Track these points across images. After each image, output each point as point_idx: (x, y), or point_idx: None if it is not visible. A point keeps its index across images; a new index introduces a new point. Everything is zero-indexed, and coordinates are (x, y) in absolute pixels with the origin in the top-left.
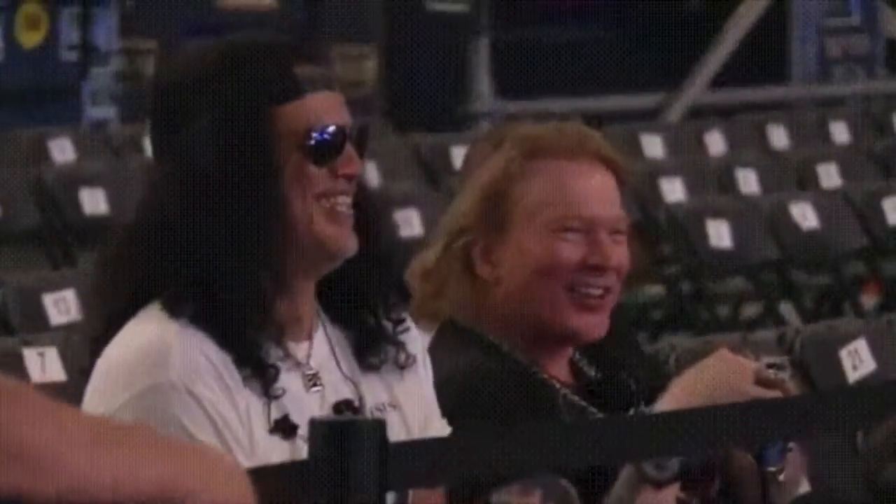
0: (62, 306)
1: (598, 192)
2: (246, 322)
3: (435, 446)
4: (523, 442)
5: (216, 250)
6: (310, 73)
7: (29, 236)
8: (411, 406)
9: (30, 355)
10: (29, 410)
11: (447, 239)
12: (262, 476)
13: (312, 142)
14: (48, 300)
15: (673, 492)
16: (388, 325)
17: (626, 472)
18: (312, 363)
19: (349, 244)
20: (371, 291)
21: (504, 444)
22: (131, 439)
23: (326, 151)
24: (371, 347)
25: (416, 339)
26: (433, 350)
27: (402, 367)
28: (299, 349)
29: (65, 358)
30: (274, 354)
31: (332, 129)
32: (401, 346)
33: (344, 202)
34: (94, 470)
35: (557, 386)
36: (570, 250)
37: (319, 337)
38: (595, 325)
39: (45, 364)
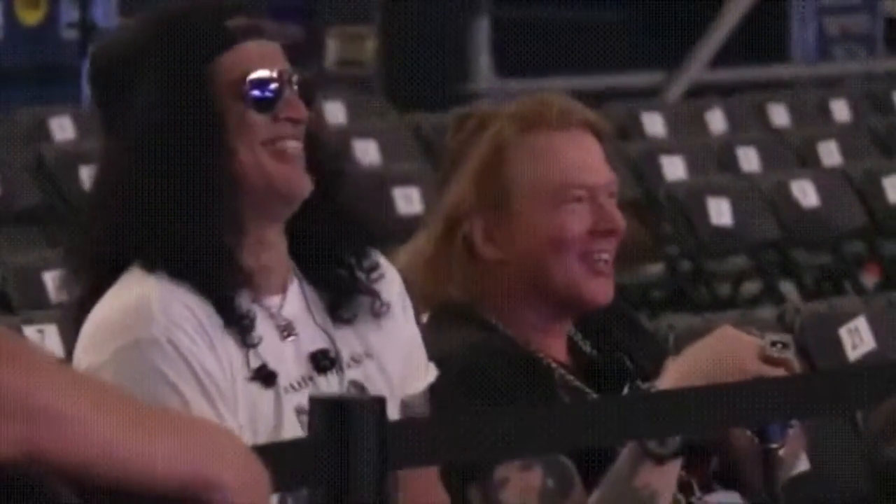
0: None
1: (592, 158)
2: (214, 273)
3: (435, 425)
4: (524, 421)
5: (174, 209)
6: (240, 23)
7: (29, 215)
8: (389, 354)
9: (29, 333)
10: (53, 377)
11: (445, 227)
12: (262, 454)
13: (248, 89)
14: (48, 278)
15: (675, 467)
16: (362, 275)
17: (627, 448)
18: (285, 314)
19: (301, 184)
20: (339, 242)
21: (505, 424)
22: (154, 415)
23: (264, 97)
24: (343, 302)
25: (392, 283)
26: (428, 329)
27: (377, 316)
28: (272, 301)
29: (64, 336)
30: (246, 302)
31: (266, 73)
32: (375, 294)
33: (292, 145)
34: (119, 439)
35: (554, 366)
36: (579, 220)
37: (293, 290)
38: (608, 289)
39: (44, 341)
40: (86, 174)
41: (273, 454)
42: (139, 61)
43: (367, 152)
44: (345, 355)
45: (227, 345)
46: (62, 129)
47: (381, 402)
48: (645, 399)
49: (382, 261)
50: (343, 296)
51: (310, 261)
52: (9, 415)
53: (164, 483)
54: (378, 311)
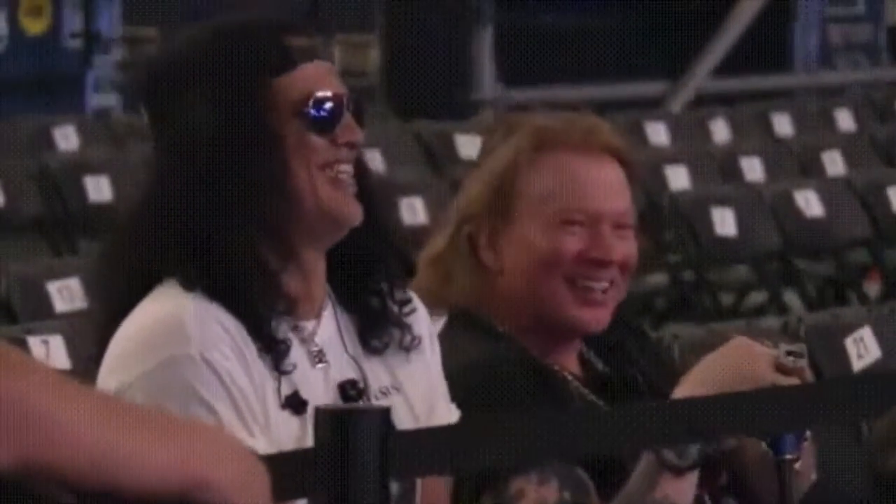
0: (66, 294)
1: (604, 185)
2: (255, 296)
3: (438, 435)
4: (528, 431)
5: (222, 227)
6: (301, 43)
7: (33, 224)
8: (416, 389)
9: (34, 343)
10: (47, 384)
11: (455, 225)
12: (267, 463)
13: (311, 111)
14: (52, 288)
15: (693, 479)
16: (394, 307)
17: (645, 460)
18: (318, 340)
19: (354, 211)
20: (377, 268)
21: (509, 433)
22: (150, 420)
23: (326, 120)
24: (375, 331)
25: (423, 320)
26: (444, 338)
27: (407, 350)
28: (306, 326)
29: (69, 346)
30: (283, 329)
31: (329, 96)
32: (406, 328)
33: (346, 170)
34: (112, 445)
35: (570, 378)
36: (572, 243)
37: (327, 316)
38: (595, 319)
39: (49, 352)
40: (89, 183)
41: (276, 463)
42: (194, 74)
43: (370, 162)
44: (373, 387)
45: (261, 368)
46: (66, 138)
47: (384, 412)
48: (659, 407)
49: (414, 297)
50: (375, 324)
51: (346, 285)
52: (3, 423)
53: (161, 486)
54: (408, 344)
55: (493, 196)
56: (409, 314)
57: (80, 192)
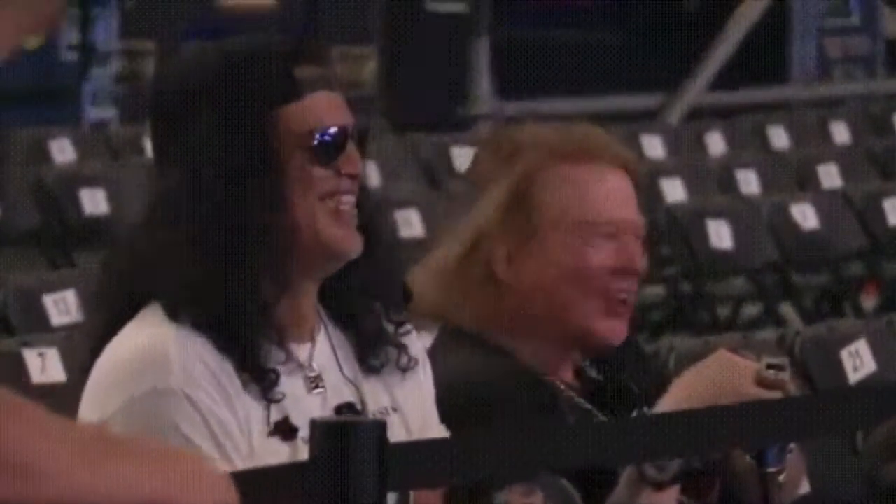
0: (62, 307)
1: (621, 195)
2: (247, 326)
3: (435, 447)
4: (522, 443)
5: (219, 253)
6: (310, 73)
7: (29, 236)
8: (412, 409)
9: (30, 356)
10: (24, 422)
11: (468, 247)
12: (263, 477)
13: (315, 142)
14: (48, 301)
15: (673, 493)
16: (390, 328)
17: (626, 474)
18: (315, 365)
19: (354, 244)
20: (373, 293)
21: (503, 446)
22: (127, 451)
23: (330, 151)
24: (373, 350)
25: (417, 342)
26: (434, 353)
27: (403, 370)
28: (301, 350)
29: (65, 358)
30: (275, 357)
31: (334, 128)
32: (403, 348)
33: (348, 202)
34: (90, 482)
35: (562, 388)
36: (601, 255)
37: (322, 338)
38: (620, 330)
39: (45, 364)
40: (85, 196)
41: (274, 476)
42: (204, 93)
43: (366, 175)
44: (370, 406)
45: (246, 400)
46: (62, 150)
47: (381, 425)
48: (643, 422)
49: (410, 321)
50: (373, 342)
51: (340, 303)
52: None
53: None
54: (405, 365)
55: (508, 214)
56: (404, 335)
57: (77, 204)
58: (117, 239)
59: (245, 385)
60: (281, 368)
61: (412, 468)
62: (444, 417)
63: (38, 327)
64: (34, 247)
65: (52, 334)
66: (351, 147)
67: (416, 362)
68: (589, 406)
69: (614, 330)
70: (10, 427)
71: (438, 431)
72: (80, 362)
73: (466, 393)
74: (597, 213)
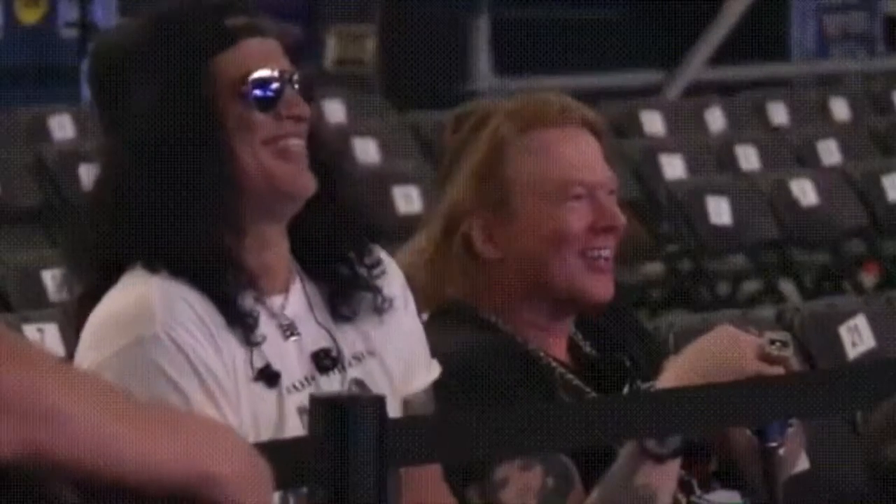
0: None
1: (590, 155)
2: (215, 273)
3: (434, 424)
4: (522, 420)
5: (173, 210)
6: (240, 21)
7: (28, 214)
8: (391, 351)
9: (29, 331)
10: (53, 374)
11: (445, 227)
12: (262, 453)
13: (250, 88)
14: (47, 277)
15: (675, 467)
16: (364, 271)
17: (627, 447)
18: (287, 313)
19: (305, 182)
20: (341, 238)
21: (501, 423)
22: (154, 413)
23: (266, 96)
24: (344, 298)
25: (394, 278)
26: (428, 329)
27: (379, 313)
28: (274, 301)
29: (64, 334)
30: (249, 302)
31: (267, 72)
32: (377, 290)
33: (295, 143)
34: (117, 439)
35: (554, 365)
36: (579, 217)
37: (296, 290)
38: (607, 286)
39: (44, 340)
40: (85, 173)
41: (273, 452)
42: (137, 59)
43: (366, 151)
44: (346, 354)
45: (230, 343)
46: (62, 128)
47: (380, 401)
48: (644, 398)
49: (384, 256)
50: (344, 292)
51: (311, 257)
52: (8, 413)
53: (164, 480)
54: (380, 307)
55: (482, 189)
56: (379, 276)
57: (76, 182)
58: (78, 212)
59: (227, 328)
60: (257, 313)
61: (411, 445)
62: (436, 393)
63: (37, 303)
64: (33, 223)
65: (50, 310)
66: (289, 91)
67: (391, 303)
68: (579, 383)
69: (601, 287)
70: (36, 375)
71: (427, 369)
72: (68, 337)
73: (458, 369)
74: (567, 176)
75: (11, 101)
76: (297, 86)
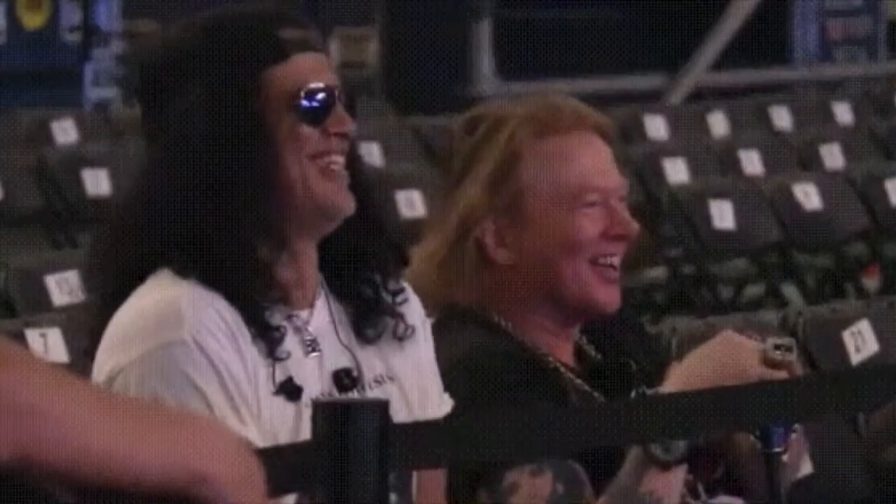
0: (64, 287)
1: (605, 162)
2: (248, 285)
3: (437, 427)
4: (525, 424)
5: (214, 218)
6: (293, 35)
7: (31, 217)
8: (409, 378)
9: (32, 336)
10: (44, 378)
11: (457, 231)
12: (263, 457)
13: (302, 102)
14: (50, 281)
15: (680, 473)
16: (387, 297)
17: (632, 454)
18: (311, 329)
19: (346, 202)
20: (369, 258)
21: (506, 427)
22: (146, 413)
23: (317, 111)
24: (368, 320)
25: (415, 310)
26: (436, 332)
27: (400, 339)
28: (300, 315)
29: (67, 338)
30: (278, 317)
31: (321, 88)
32: (400, 317)
33: (338, 161)
34: (109, 440)
35: (563, 369)
36: (591, 223)
37: (321, 305)
38: (615, 296)
39: (47, 345)
40: (88, 176)
41: (275, 456)
42: (186, 65)
43: (368, 155)
44: (367, 376)
45: (254, 355)
46: (64, 131)
47: (383, 405)
48: (650, 402)
49: (407, 286)
50: (369, 314)
51: (337, 274)
52: None
53: (153, 480)
54: (402, 334)
55: (496, 194)
56: (402, 304)
57: (79, 185)
58: (109, 215)
59: (253, 340)
60: (284, 328)
61: (414, 448)
62: (448, 395)
63: (41, 307)
64: (36, 227)
65: (54, 314)
66: (339, 107)
67: (413, 331)
68: (588, 388)
69: (610, 297)
70: (23, 376)
71: (440, 401)
72: (83, 343)
73: (467, 372)
74: (583, 182)
75: (14, 104)
76: (344, 102)
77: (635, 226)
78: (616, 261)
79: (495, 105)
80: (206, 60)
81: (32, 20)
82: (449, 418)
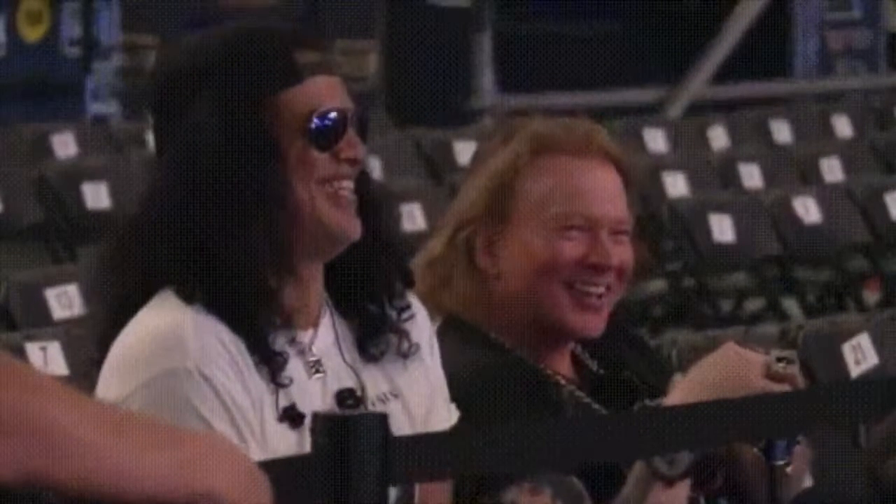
0: (64, 301)
1: (602, 190)
2: (253, 309)
3: (438, 441)
4: (526, 437)
5: (221, 239)
6: (309, 58)
7: (31, 231)
8: (414, 395)
9: (32, 350)
10: (53, 397)
11: (452, 229)
12: (266, 470)
13: (314, 126)
14: (50, 295)
15: (684, 488)
16: (393, 314)
17: (636, 469)
18: (315, 350)
19: (353, 228)
20: (375, 279)
21: (506, 440)
22: (152, 429)
23: (328, 136)
24: (372, 338)
25: (423, 325)
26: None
27: (405, 356)
28: (304, 336)
29: (67, 352)
30: (281, 342)
31: (333, 113)
32: (404, 334)
33: (347, 187)
34: (117, 457)
35: (562, 382)
36: (571, 248)
37: (325, 325)
38: (592, 323)
39: (47, 358)
40: (88, 190)
41: (276, 469)
42: (203, 78)
43: (369, 169)
44: (370, 394)
45: (258, 382)
46: (64, 145)
47: (384, 418)
48: (652, 415)
49: (415, 302)
50: (373, 331)
51: (343, 293)
52: (5, 435)
53: (162, 496)
54: (406, 351)
55: (490, 200)
56: (407, 320)
57: (79, 199)
58: (115, 230)
59: (256, 366)
60: (287, 352)
61: (415, 462)
62: None
63: (41, 321)
64: (36, 241)
65: (54, 328)
66: (350, 132)
67: (419, 347)
68: (588, 400)
69: (586, 323)
70: (31, 395)
71: (447, 415)
72: (82, 357)
73: (466, 391)
74: (572, 206)
75: (14, 118)
76: (356, 126)
77: (618, 259)
78: (599, 290)
79: (522, 117)
80: (220, 76)
81: (32, 33)
82: (449, 432)
